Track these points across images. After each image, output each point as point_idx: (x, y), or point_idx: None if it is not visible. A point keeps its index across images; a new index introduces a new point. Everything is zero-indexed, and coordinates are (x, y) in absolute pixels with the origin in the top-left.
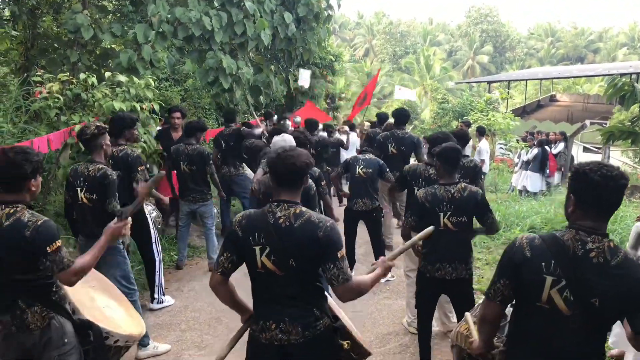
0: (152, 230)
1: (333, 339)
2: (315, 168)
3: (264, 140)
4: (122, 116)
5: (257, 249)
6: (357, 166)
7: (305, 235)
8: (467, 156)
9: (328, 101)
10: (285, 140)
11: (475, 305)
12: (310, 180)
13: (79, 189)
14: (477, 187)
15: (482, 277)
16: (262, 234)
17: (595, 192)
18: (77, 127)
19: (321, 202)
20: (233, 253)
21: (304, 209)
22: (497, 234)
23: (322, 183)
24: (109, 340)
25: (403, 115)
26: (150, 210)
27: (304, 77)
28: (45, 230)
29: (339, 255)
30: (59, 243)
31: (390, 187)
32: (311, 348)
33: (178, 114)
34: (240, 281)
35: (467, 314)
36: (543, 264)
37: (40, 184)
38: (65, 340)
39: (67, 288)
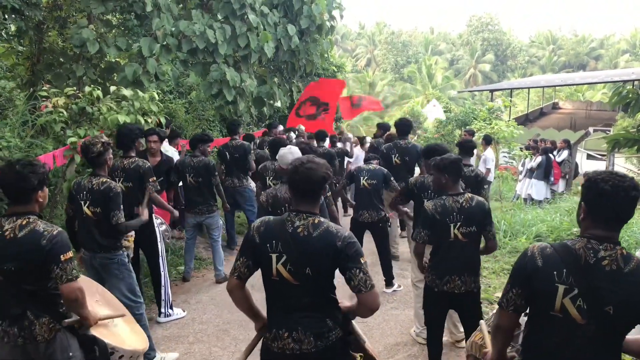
0: (159, 244)
1: (345, 351)
2: None
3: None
4: (130, 128)
5: (274, 256)
6: (362, 177)
7: (324, 245)
8: (470, 165)
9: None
10: (292, 152)
11: (490, 314)
12: None
13: (82, 203)
14: (482, 198)
15: (489, 287)
16: (280, 242)
17: (605, 201)
18: (70, 140)
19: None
20: (249, 258)
21: (322, 219)
22: (501, 242)
23: (328, 194)
24: (114, 356)
25: (406, 126)
26: (159, 224)
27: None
28: (62, 240)
29: (363, 261)
30: (71, 254)
31: (393, 200)
32: (323, 358)
33: (155, 137)
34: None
35: (482, 322)
36: (555, 272)
37: (47, 195)
38: (70, 354)
39: None
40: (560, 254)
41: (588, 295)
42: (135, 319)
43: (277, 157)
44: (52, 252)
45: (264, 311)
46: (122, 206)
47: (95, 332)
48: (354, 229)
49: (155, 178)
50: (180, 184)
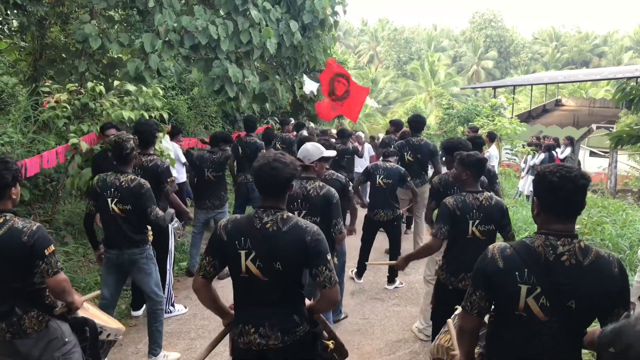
0: (171, 242)
1: (313, 344)
2: (341, 175)
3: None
4: (148, 123)
5: (243, 253)
6: (378, 176)
7: (293, 240)
8: None
9: None
10: (319, 147)
11: (453, 315)
12: (332, 189)
13: (109, 200)
14: (500, 198)
15: None
16: (249, 239)
17: (555, 193)
18: (72, 142)
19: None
20: (216, 257)
21: (290, 214)
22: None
23: (349, 189)
24: (102, 335)
25: (419, 123)
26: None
27: (309, 84)
28: (42, 235)
29: (329, 258)
30: (53, 247)
31: (427, 212)
32: (290, 353)
33: (113, 131)
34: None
35: (449, 321)
36: (517, 273)
37: (20, 192)
38: (66, 340)
39: None
40: (520, 254)
41: (550, 293)
42: (155, 315)
43: (299, 154)
44: (35, 247)
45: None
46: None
47: (81, 314)
48: (368, 227)
49: (173, 178)
50: (185, 179)
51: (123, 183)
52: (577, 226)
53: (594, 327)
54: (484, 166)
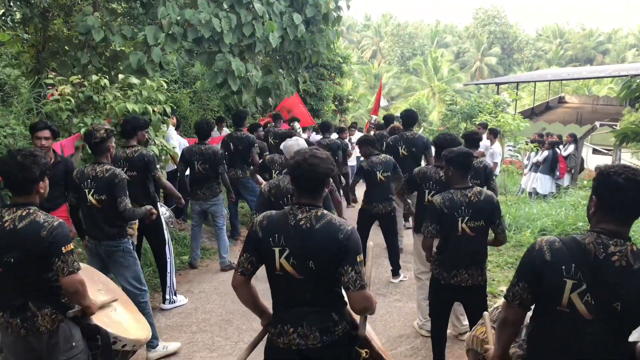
0: (165, 232)
1: (351, 346)
2: None
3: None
4: (135, 117)
5: (277, 250)
6: (377, 171)
7: (326, 238)
8: (477, 157)
9: (336, 103)
10: (299, 143)
11: (492, 308)
12: None
13: (86, 191)
14: (491, 192)
15: (493, 280)
16: (282, 236)
17: (617, 195)
18: (83, 130)
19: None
20: (253, 254)
21: (325, 211)
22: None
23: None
24: (117, 345)
25: (411, 117)
26: (164, 211)
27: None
28: (62, 231)
29: (358, 260)
30: (72, 246)
31: (399, 190)
32: (329, 353)
33: (46, 133)
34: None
35: (486, 314)
36: (563, 267)
37: (48, 185)
38: (73, 344)
39: None
40: (569, 249)
41: (596, 291)
42: (140, 308)
43: (282, 148)
44: (53, 244)
45: (269, 305)
46: (127, 192)
47: (97, 321)
48: (363, 221)
49: (158, 167)
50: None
51: (99, 173)
52: (579, 224)
53: None
54: (466, 160)
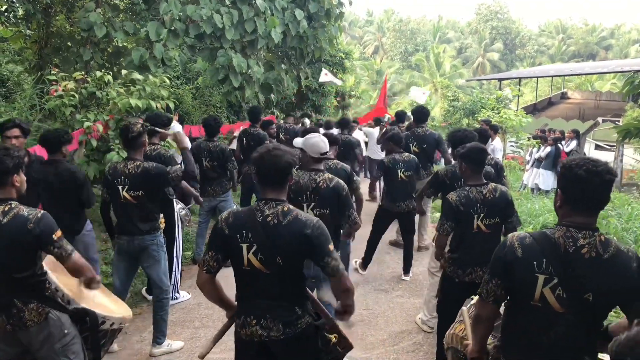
0: (177, 229)
1: (314, 337)
2: (346, 165)
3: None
4: (159, 114)
5: (244, 246)
6: (399, 170)
7: (294, 233)
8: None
9: (338, 99)
10: (324, 140)
11: (470, 304)
12: (341, 182)
13: (120, 187)
14: (505, 188)
15: None
16: (250, 232)
17: (580, 187)
18: (86, 124)
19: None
20: (219, 251)
21: (291, 207)
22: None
23: (355, 179)
24: (105, 325)
25: (423, 114)
26: (179, 209)
27: (325, 77)
28: (48, 221)
29: (331, 248)
30: (60, 232)
31: (421, 192)
32: (292, 345)
33: (16, 132)
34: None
35: (464, 309)
36: (535, 262)
37: (24, 180)
38: (66, 331)
39: (60, 281)
40: (540, 244)
41: (568, 284)
42: (161, 304)
43: (304, 146)
44: (42, 234)
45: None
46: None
47: (84, 305)
48: (383, 219)
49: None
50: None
51: (131, 170)
52: None
53: (619, 320)
54: (480, 155)
